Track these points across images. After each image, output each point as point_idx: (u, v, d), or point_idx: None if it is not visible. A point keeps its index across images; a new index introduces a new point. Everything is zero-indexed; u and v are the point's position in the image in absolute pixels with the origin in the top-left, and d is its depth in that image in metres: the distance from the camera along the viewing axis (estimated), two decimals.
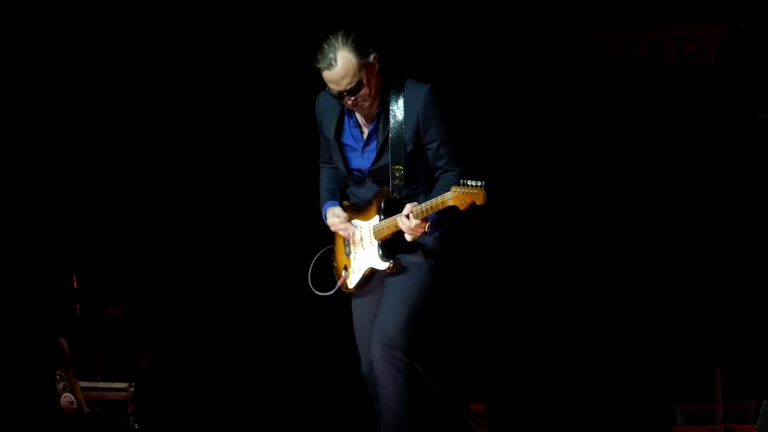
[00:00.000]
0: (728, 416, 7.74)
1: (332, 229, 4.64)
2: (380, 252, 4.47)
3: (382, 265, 4.47)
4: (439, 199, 4.24)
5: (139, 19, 7.94)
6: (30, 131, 7.77)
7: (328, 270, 4.75)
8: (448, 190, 4.23)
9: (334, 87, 4.33)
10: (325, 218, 4.66)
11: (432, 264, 4.51)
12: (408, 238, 4.37)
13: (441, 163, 4.44)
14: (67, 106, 7.91)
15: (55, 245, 7.70)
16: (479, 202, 4.19)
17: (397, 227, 4.38)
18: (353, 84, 4.29)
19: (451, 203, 4.21)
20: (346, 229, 4.57)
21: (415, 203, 4.35)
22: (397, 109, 4.37)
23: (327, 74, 4.31)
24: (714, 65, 8.63)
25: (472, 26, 8.69)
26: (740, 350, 8.30)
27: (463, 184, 4.19)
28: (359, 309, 4.68)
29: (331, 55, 4.29)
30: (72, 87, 7.87)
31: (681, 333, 8.50)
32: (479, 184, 4.18)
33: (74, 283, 7.40)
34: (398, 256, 4.50)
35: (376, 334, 4.43)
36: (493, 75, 8.73)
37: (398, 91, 4.40)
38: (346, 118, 4.54)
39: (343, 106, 4.48)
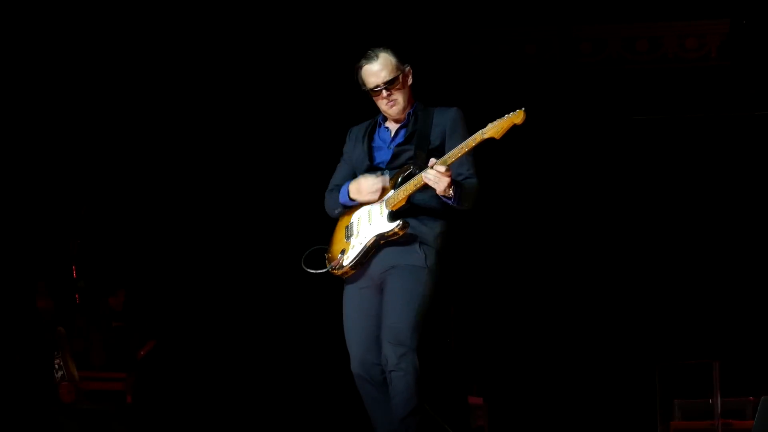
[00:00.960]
0: (726, 411, 7.75)
1: (368, 188, 4.63)
2: (389, 217, 4.53)
3: (389, 227, 4.51)
4: (475, 135, 4.42)
5: (141, 19, 7.95)
6: (31, 124, 7.78)
7: (322, 262, 4.75)
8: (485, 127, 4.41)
9: (373, 80, 4.60)
10: (348, 194, 4.68)
11: (431, 265, 4.54)
12: (434, 185, 4.42)
13: (463, 170, 4.57)
14: (67, 101, 7.92)
15: (54, 236, 7.70)
16: (519, 121, 4.37)
17: (416, 185, 4.46)
18: (390, 78, 4.59)
19: (487, 136, 4.38)
20: (378, 182, 4.62)
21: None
22: (426, 117, 4.65)
23: (367, 67, 4.62)
24: (715, 61, 8.63)
25: (473, 19, 8.69)
26: (739, 346, 8.31)
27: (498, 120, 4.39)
28: (353, 302, 4.66)
29: (374, 54, 4.63)
30: (73, 81, 7.88)
31: (680, 328, 8.51)
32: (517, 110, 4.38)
33: (74, 274, 7.40)
34: (398, 260, 4.54)
35: (388, 334, 4.49)
36: (494, 68, 8.73)
37: (428, 108, 4.70)
38: (378, 130, 4.75)
39: (373, 126, 4.74)
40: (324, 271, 4.66)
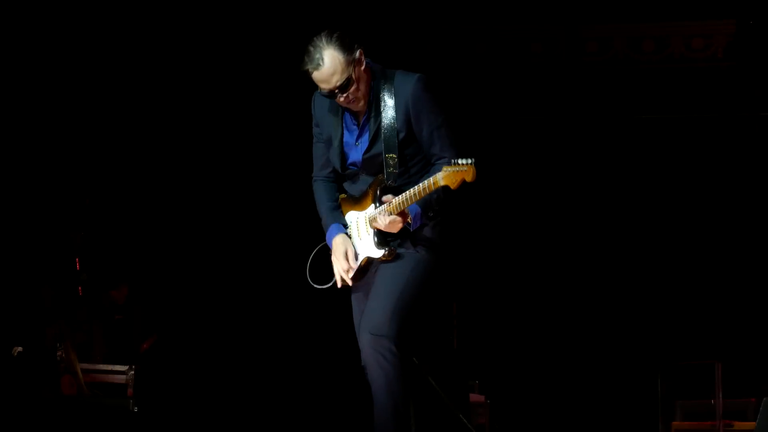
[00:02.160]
0: (728, 412, 7.74)
1: (333, 261, 4.58)
2: (375, 240, 4.45)
3: (377, 253, 4.44)
4: (430, 179, 4.18)
5: (140, 18, 7.96)
6: (34, 117, 7.78)
7: (327, 263, 4.74)
8: (440, 170, 4.19)
9: (325, 86, 4.32)
10: (330, 241, 4.61)
11: (423, 254, 4.46)
12: (390, 230, 4.35)
13: (435, 149, 4.40)
14: (70, 94, 7.91)
15: (58, 228, 7.70)
16: (469, 179, 4.11)
17: (390, 212, 4.36)
18: (343, 80, 4.29)
19: (442, 183, 4.15)
20: (343, 267, 4.56)
21: (391, 195, 4.34)
22: (388, 99, 4.36)
23: (316, 75, 4.31)
24: (721, 61, 8.62)
25: (479, 18, 8.68)
26: (741, 347, 8.29)
27: (454, 164, 4.14)
28: (358, 303, 4.64)
29: (318, 55, 4.28)
30: (75, 74, 7.88)
31: (682, 328, 8.50)
32: (469, 161, 4.12)
33: (77, 266, 7.39)
34: (392, 245, 4.48)
35: (365, 324, 4.40)
36: (500, 67, 8.71)
37: (388, 82, 4.39)
38: (345, 113, 4.52)
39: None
40: (330, 285, 4.63)
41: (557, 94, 8.63)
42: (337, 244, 4.54)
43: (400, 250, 4.46)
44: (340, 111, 4.50)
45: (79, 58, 7.90)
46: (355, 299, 4.66)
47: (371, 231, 4.45)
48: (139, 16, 7.97)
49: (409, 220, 4.34)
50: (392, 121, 4.36)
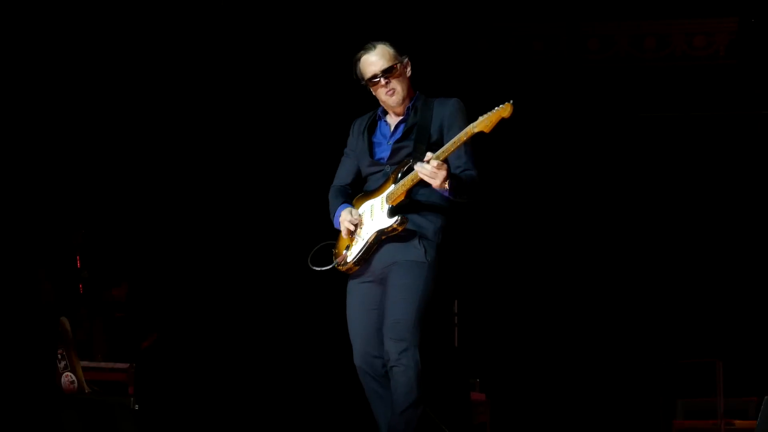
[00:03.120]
0: (729, 411, 7.76)
1: (343, 227, 4.73)
2: (388, 212, 4.57)
3: (389, 222, 4.55)
4: (465, 129, 4.42)
5: (141, 18, 7.95)
6: (35, 113, 7.77)
7: (329, 258, 4.77)
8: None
9: (370, 69, 4.67)
10: (336, 220, 4.77)
11: (431, 261, 4.59)
12: (430, 181, 4.45)
13: (461, 162, 4.60)
14: (71, 92, 7.90)
15: (59, 225, 7.69)
16: (506, 114, 4.34)
17: (414, 180, 4.50)
18: (387, 66, 4.64)
19: (477, 129, 4.39)
20: (345, 222, 4.70)
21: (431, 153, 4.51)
22: (426, 110, 4.68)
23: (365, 57, 4.69)
24: (723, 59, 8.61)
25: (481, 15, 8.67)
26: (742, 346, 8.30)
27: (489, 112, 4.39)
28: (355, 296, 4.72)
29: (371, 45, 4.72)
30: (76, 72, 7.87)
31: (683, 327, 8.50)
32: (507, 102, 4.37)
33: (78, 263, 7.39)
34: (398, 256, 4.58)
35: (389, 330, 4.52)
36: (502, 64, 8.71)
37: (428, 102, 4.73)
38: (379, 123, 4.80)
39: (374, 119, 4.79)
40: (329, 267, 4.72)
41: (559, 91, 8.62)
42: (344, 212, 4.73)
43: (407, 260, 4.57)
44: (370, 127, 4.82)
45: (81, 56, 7.89)
46: (352, 293, 4.73)
47: (386, 207, 4.59)
48: (135, 14, 7.96)
49: (446, 180, 4.46)
50: (427, 125, 4.65)
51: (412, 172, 4.50)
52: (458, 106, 4.67)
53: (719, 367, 7.80)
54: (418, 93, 4.76)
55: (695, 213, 8.58)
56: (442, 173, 4.41)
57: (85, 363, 6.83)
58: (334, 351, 7.07)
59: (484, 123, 4.38)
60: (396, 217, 4.53)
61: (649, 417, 8.11)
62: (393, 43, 4.71)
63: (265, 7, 8.16)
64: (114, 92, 8.09)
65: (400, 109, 4.71)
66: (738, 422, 7.69)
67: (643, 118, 8.65)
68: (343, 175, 4.88)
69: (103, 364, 7.08)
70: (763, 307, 8.35)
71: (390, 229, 4.55)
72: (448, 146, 4.44)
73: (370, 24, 7.79)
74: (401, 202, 4.56)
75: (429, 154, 4.44)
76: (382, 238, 4.59)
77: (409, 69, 4.73)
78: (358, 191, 4.83)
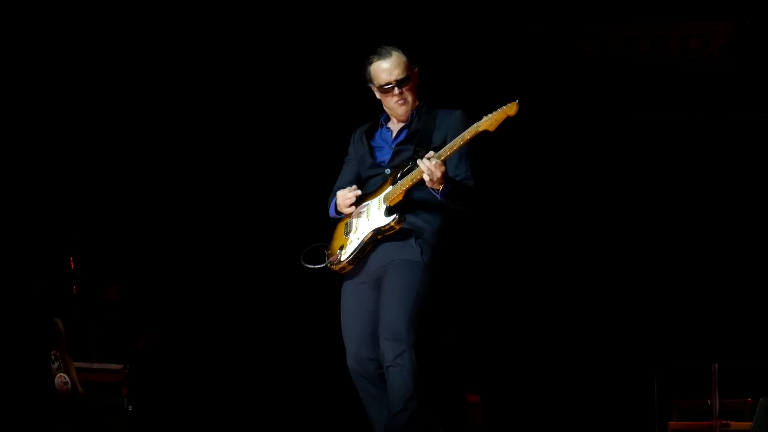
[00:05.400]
0: (724, 413, 7.73)
1: (342, 202, 4.71)
2: (385, 211, 4.55)
3: (386, 220, 4.52)
4: (470, 128, 4.45)
5: (140, 17, 7.95)
6: (30, 116, 7.77)
7: (322, 257, 4.75)
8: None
9: (386, 76, 4.64)
10: (335, 204, 4.75)
11: (427, 261, 4.57)
12: (426, 180, 4.44)
13: (460, 171, 4.60)
14: (68, 93, 7.91)
15: (53, 226, 7.69)
16: (512, 112, 4.39)
17: (413, 180, 4.49)
18: (403, 76, 4.63)
19: (482, 128, 4.42)
20: (346, 192, 4.70)
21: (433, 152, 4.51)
22: (430, 118, 4.69)
23: (382, 64, 4.65)
24: (718, 61, 8.61)
25: (476, 17, 8.67)
26: (737, 347, 8.29)
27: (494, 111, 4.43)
28: (350, 298, 4.69)
29: (387, 51, 4.68)
30: (72, 75, 7.87)
31: (678, 328, 8.49)
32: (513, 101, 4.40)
33: (71, 264, 7.39)
34: (394, 255, 4.56)
35: (384, 329, 4.51)
36: (497, 66, 8.70)
37: (431, 112, 4.73)
38: (380, 130, 4.80)
39: (374, 125, 4.80)
40: (322, 266, 4.68)
41: (554, 93, 8.62)
42: (341, 191, 4.73)
43: (403, 259, 4.55)
44: (366, 139, 4.81)
45: (76, 57, 7.89)
46: (347, 292, 4.70)
47: (383, 206, 4.56)
48: (128, 11, 7.97)
49: (441, 181, 4.46)
50: (429, 131, 4.65)
51: (412, 173, 4.50)
52: (463, 117, 4.67)
53: (714, 368, 7.79)
54: (421, 103, 4.75)
55: (691, 215, 8.57)
56: (440, 169, 4.41)
57: (78, 364, 6.83)
58: (328, 351, 7.08)
59: (489, 121, 4.40)
60: (393, 216, 4.51)
61: (644, 418, 8.09)
62: (405, 52, 4.70)
63: (267, 9, 8.16)
64: (109, 93, 8.09)
65: (405, 117, 4.71)
66: (733, 424, 7.68)
67: (639, 120, 8.64)
68: (344, 182, 4.84)
69: (96, 365, 7.08)
70: (759, 308, 8.34)
71: (387, 227, 4.53)
72: (452, 144, 4.45)
73: (369, 27, 7.79)
74: (399, 202, 4.55)
75: (431, 153, 4.45)
76: (378, 237, 4.57)
77: (416, 79, 4.73)
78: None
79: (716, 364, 7.79)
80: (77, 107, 7.98)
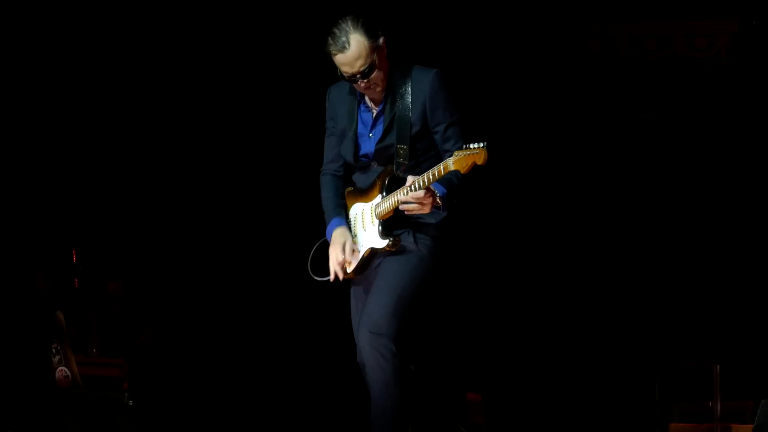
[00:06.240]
0: (726, 415, 7.72)
1: (330, 252, 4.56)
2: (380, 230, 4.44)
3: (381, 243, 4.43)
4: (441, 165, 4.19)
5: (140, 17, 7.94)
6: (31, 110, 7.75)
7: (327, 257, 4.70)
8: (451, 156, 4.20)
9: (348, 69, 4.35)
10: (329, 234, 4.60)
11: (425, 253, 4.45)
12: (419, 212, 4.31)
13: (449, 145, 4.41)
14: (69, 89, 7.89)
15: (55, 219, 7.67)
16: (480, 162, 4.11)
17: (398, 202, 4.35)
18: (366, 66, 4.32)
19: (453, 167, 4.15)
20: (338, 258, 4.53)
21: (412, 176, 4.33)
22: (405, 92, 4.39)
23: (340, 57, 4.33)
24: (724, 61, 8.59)
25: (481, 15, 8.65)
26: (739, 349, 8.27)
27: (465, 148, 4.15)
28: (357, 298, 4.64)
29: (344, 39, 4.31)
30: (73, 72, 7.86)
31: (680, 330, 8.48)
32: (481, 145, 4.12)
33: (73, 257, 7.37)
34: (396, 235, 4.46)
35: (364, 322, 4.39)
36: (502, 64, 8.69)
37: (405, 75, 4.42)
38: (360, 105, 4.54)
39: (357, 95, 4.52)
40: (328, 279, 4.61)
41: (559, 92, 8.60)
42: (336, 236, 4.54)
43: (403, 246, 4.44)
44: (355, 104, 4.53)
45: (76, 53, 7.87)
46: (355, 295, 4.65)
47: (376, 222, 4.45)
48: (126, 10, 7.95)
49: (438, 201, 4.31)
50: (407, 113, 4.38)
51: (398, 191, 4.33)
52: (438, 81, 4.39)
53: (716, 370, 7.77)
54: (393, 70, 4.41)
55: (694, 215, 8.55)
56: (428, 201, 4.26)
57: (79, 357, 6.81)
58: (331, 346, 7.08)
59: (459, 163, 4.13)
60: (387, 240, 4.39)
61: (645, 420, 8.08)
62: (365, 24, 4.31)
63: (265, 7, 8.14)
64: (110, 88, 8.07)
65: (379, 98, 4.44)
66: (735, 426, 7.67)
67: (644, 119, 8.63)
68: (331, 157, 4.67)
69: (97, 359, 7.06)
70: (760, 310, 8.33)
71: (382, 250, 4.44)
72: (426, 176, 4.22)
73: (371, 25, 7.75)
74: (391, 217, 4.43)
75: (410, 179, 4.26)
76: (375, 252, 4.50)
77: (385, 48, 4.37)
78: (347, 169, 4.66)
79: (718, 366, 7.77)
80: (79, 102, 7.96)
